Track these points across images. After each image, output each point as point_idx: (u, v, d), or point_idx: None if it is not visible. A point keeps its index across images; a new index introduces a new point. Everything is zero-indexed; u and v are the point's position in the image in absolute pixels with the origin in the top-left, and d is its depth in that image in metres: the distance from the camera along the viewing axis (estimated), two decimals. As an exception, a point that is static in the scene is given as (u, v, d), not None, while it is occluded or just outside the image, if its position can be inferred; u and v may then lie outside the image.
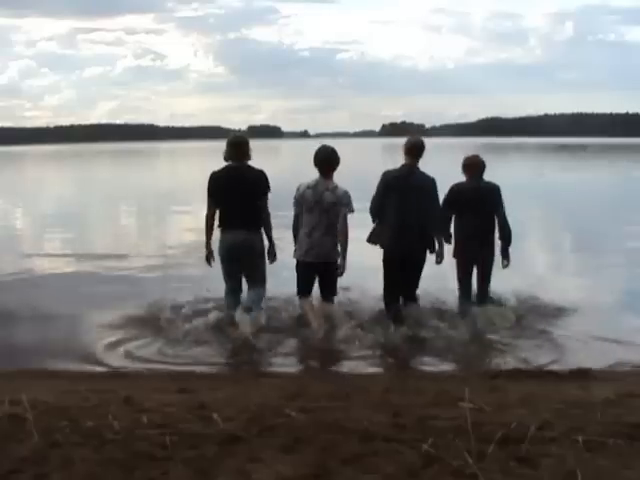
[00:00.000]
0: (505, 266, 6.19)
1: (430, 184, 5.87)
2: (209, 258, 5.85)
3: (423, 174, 5.90)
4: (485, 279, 6.22)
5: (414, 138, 5.99)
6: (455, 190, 6.13)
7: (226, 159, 5.73)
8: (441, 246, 5.99)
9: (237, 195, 5.59)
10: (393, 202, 5.79)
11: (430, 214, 5.83)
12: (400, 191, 5.78)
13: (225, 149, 5.71)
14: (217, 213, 5.72)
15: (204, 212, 5.84)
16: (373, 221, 5.98)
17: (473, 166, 6.17)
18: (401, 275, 5.87)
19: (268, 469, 2.69)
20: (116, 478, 2.61)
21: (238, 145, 5.70)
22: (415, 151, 5.88)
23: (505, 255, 6.17)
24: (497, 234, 6.19)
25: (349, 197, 5.75)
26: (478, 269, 6.19)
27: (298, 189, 5.83)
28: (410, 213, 5.76)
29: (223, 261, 5.72)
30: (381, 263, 5.96)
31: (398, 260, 5.82)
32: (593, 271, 9.13)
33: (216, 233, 5.83)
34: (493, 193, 6.12)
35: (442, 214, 6.00)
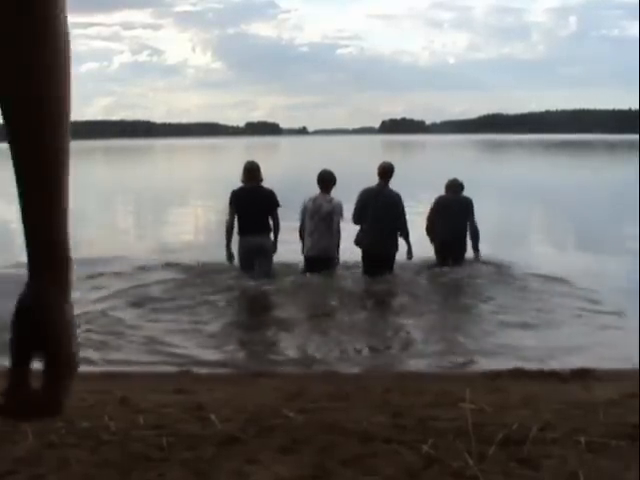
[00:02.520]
0: (475, 258, 8.13)
1: (396, 199, 7.64)
2: (229, 258, 7.52)
3: (391, 191, 7.70)
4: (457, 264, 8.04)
5: (385, 163, 7.79)
6: (439, 202, 8.16)
7: (243, 181, 7.46)
8: (409, 245, 7.76)
9: (251, 209, 7.27)
10: (369, 213, 7.57)
11: (397, 222, 7.57)
12: (374, 205, 7.60)
13: (242, 173, 7.45)
14: (236, 221, 7.42)
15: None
16: (356, 224, 7.77)
17: (452, 186, 8.25)
18: (376, 266, 7.58)
19: (266, 470, 2.67)
20: (112, 480, 2.59)
21: (251, 171, 7.45)
22: (385, 174, 7.71)
23: (476, 250, 8.14)
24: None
25: (341, 207, 7.51)
26: (453, 259, 7.96)
27: (304, 202, 7.59)
28: (382, 222, 7.50)
29: (241, 255, 7.43)
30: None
31: (373, 256, 7.61)
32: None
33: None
34: (467, 205, 8.06)
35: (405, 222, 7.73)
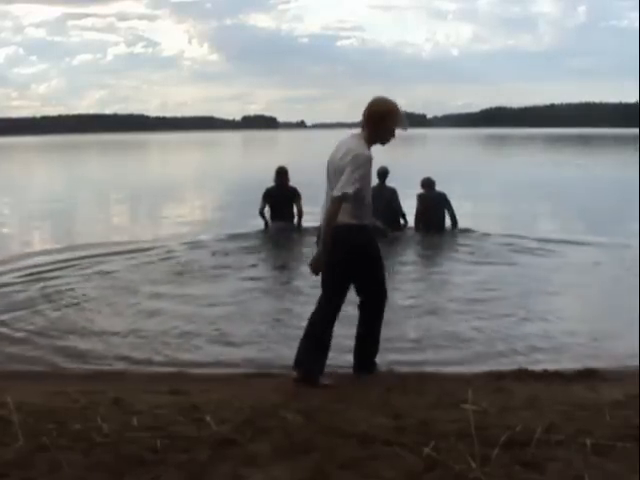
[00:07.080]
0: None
1: (392, 193, 10.18)
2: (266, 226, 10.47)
3: (388, 188, 10.20)
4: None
5: (381, 168, 10.02)
6: (421, 197, 10.43)
7: (275, 181, 10.34)
8: (402, 224, 10.34)
9: (280, 201, 10.31)
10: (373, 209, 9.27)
11: (394, 209, 10.11)
12: (376, 198, 10.13)
13: (274, 176, 10.34)
14: (267, 208, 10.35)
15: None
16: None
17: (427, 184, 10.47)
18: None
19: (263, 473, 2.63)
20: (104, 484, 2.53)
21: (281, 173, 10.35)
22: (382, 176, 10.11)
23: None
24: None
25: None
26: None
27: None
28: (384, 214, 9.15)
29: (272, 234, 10.22)
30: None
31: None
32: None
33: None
34: (443, 198, 10.41)
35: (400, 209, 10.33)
